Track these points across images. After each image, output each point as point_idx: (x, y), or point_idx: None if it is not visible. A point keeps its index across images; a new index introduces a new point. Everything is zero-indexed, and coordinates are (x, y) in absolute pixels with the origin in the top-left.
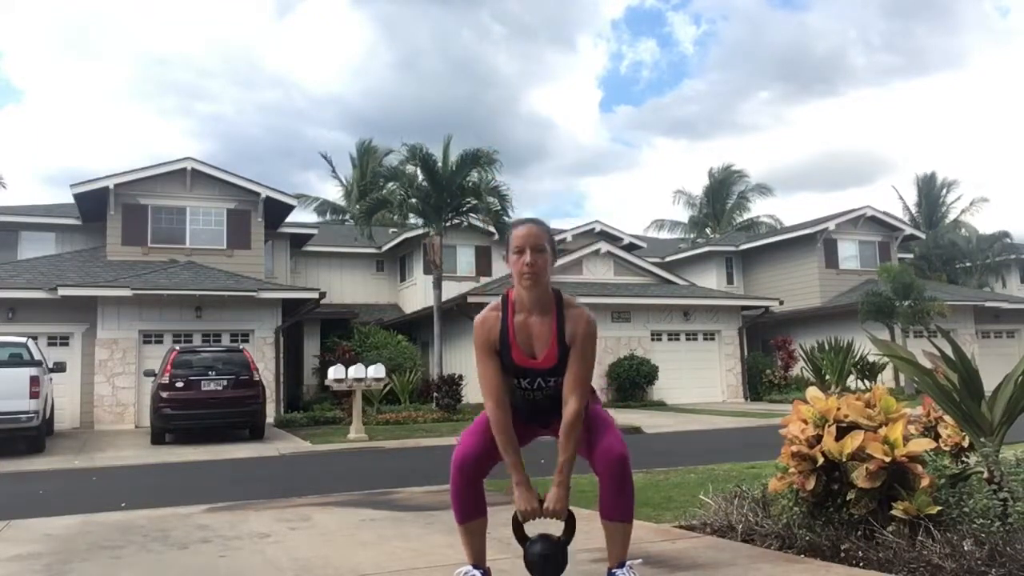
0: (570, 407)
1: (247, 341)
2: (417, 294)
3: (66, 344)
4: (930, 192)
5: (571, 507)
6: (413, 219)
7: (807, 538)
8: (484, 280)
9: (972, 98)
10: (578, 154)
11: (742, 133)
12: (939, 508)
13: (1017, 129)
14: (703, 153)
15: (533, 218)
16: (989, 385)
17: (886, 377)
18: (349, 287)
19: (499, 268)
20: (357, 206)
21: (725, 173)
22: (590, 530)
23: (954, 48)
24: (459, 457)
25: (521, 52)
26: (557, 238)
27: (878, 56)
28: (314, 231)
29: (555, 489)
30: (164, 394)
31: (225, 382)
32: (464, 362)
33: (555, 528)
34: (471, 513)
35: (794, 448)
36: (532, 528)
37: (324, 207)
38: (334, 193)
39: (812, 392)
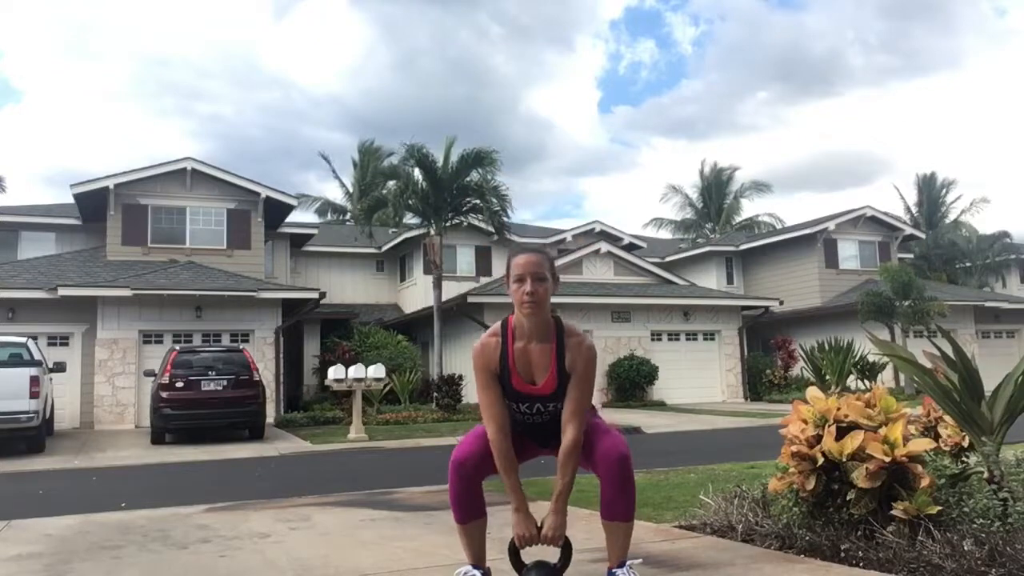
0: (569, 435)
1: (247, 341)
2: (417, 294)
3: (66, 344)
4: (930, 192)
5: (570, 510)
6: (413, 219)
7: (807, 538)
8: (484, 280)
9: (970, 99)
10: (577, 154)
11: (741, 133)
12: (939, 508)
13: (1016, 129)
14: (702, 153)
15: (535, 247)
16: (989, 385)
17: (886, 377)
18: (349, 287)
19: (499, 268)
20: (358, 206)
21: (716, 171)
22: (590, 530)
23: (951, 49)
24: (457, 459)
25: (519, 53)
26: (557, 238)
27: (875, 56)
28: (314, 231)
29: (552, 516)
30: (164, 394)
31: (225, 382)
32: (464, 362)
33: (551, 555)
34: (470, 514)
35: (794, 448)
36: (528, 554)
37: (324, 207)
38: (334, 193)
39: (812, 392)
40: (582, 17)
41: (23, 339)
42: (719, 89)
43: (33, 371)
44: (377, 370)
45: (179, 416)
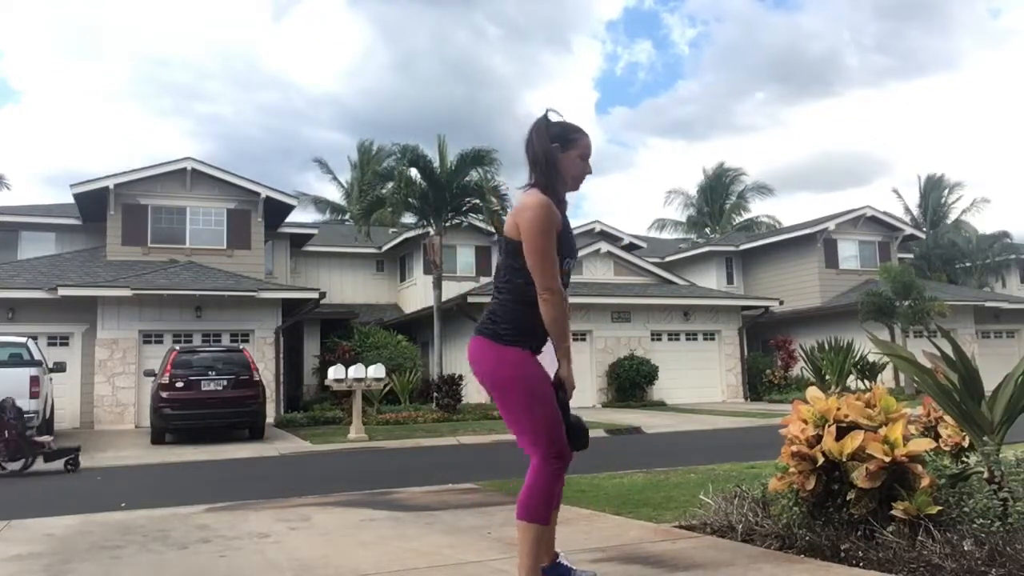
0: None
1: (247, 341)
2: (417, 294)
3: (66, 344)
4: (930, 192)
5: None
6: (412, 219)
7: (807, 538)
8: (484, 280)
9: (968, 99)
10: None
11: (739, 134)
12: (939, 508)
13: (1015, 129)
14: (700, 154)
15: None
16: (989, 385)
17: (886, 377)
18: (349, 287)
19: None
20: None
21: (719, 171)
22: (590, 530)
23: (948, 49)
24: (564, 451)
25: (517, 54)
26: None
27: (872, 57)
28: (314, 231)
29: (564, 362)
30: (164, 394)
31: (225, 382)
32: (464, 362)
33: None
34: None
35: (794, 448)
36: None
37: (324, 207)
38: (333, 194)
39: (812, 392)
40: (579, 18)
41: (23, 339)
42: (717, 90)
43: (33, 371)
44: (377, 370)
45: (179, 416)
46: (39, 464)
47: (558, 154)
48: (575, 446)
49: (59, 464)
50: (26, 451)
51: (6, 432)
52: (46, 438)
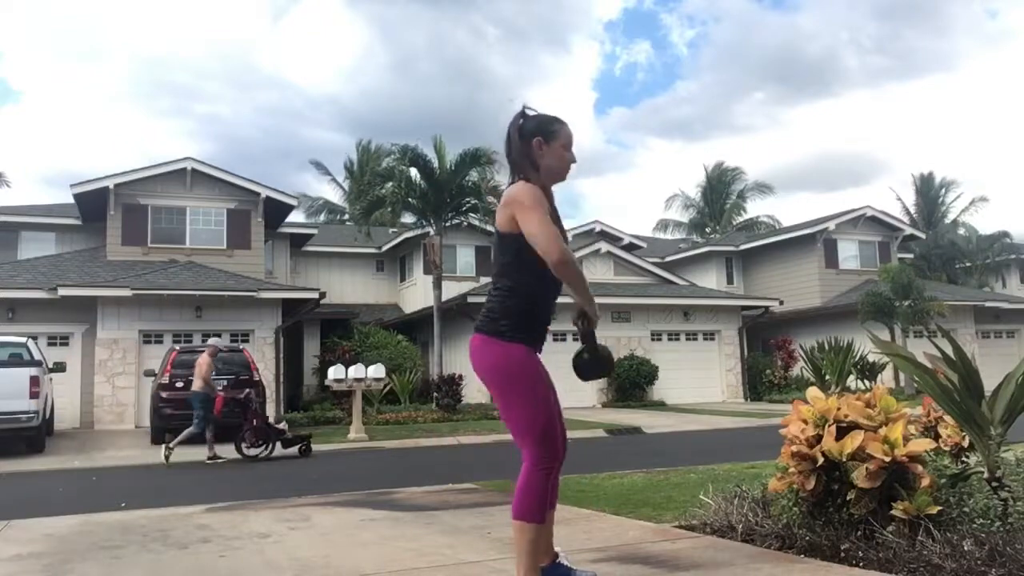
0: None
1: (247, 341)
2: (417, 294)
3: (66, 344)
4: (929, 192)
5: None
6: (412, 219)
7: (807, 538)
8: (484, 280)
9: (966, 99)
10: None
11: (737, 134)
12: (939, 508)
13: (1014, 129)
14: (699, 154)
15: None
16: (989, 385)
17: (886, 377)
18: (349, 287)
19: None
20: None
21: (719, 171)
22: (590, 530)
23: (945, 50)
24: (558, 455)
25: (515, 54)
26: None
27: (870, 58)
28: (314, 231)
29: (590, 307)
30: (164, 394)
31: (225, 382)
32: (464, 362)
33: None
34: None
35: (794, 448)
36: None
37: (323, 207)
38: (333, 194)
39: (812, 392)
40: (577, 19)
41: (23, 339)
42: (715, 90)
43: (33, 371)
44: (377, 370)
45: (179, 416)
46: (39, 464)
47: (539, 149)
48: (601, 372)
49: (294, 450)
50: (272, 437)
51: (254, 420)
52: (283, 425)
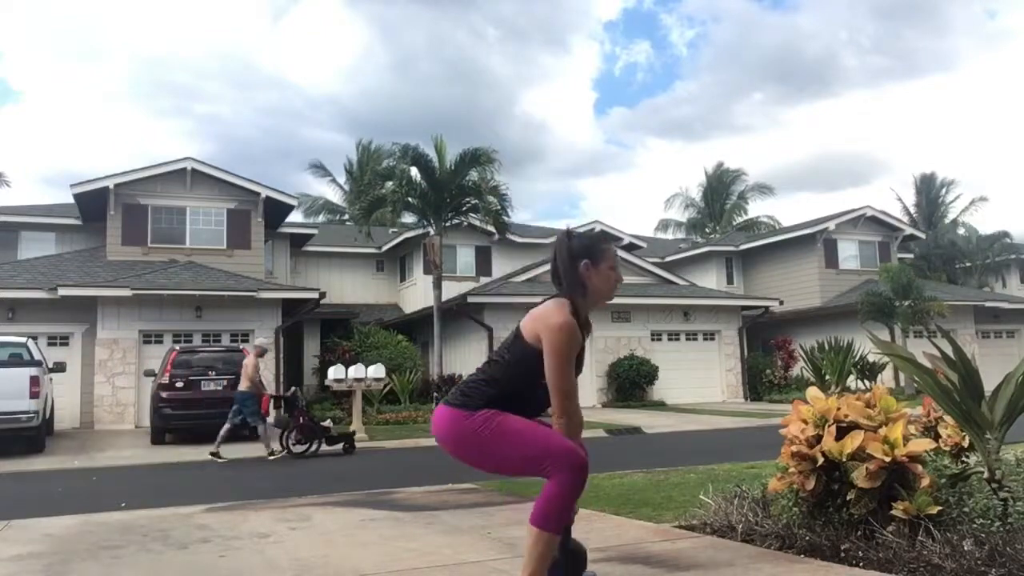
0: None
1: (247, 341)
2: (417, 294)
3: (66, 344)
4: (929, 192)
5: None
6: (412, 219)
7: (807, 538)
8: (484, 280)
9: (966, 99)
10: (574, 155)
11: (737, 134)
12: (939, 508)
13: (1014, 130)
14: (699, 154)
15: None
16: (989, 385)
17: (886, 377)
18: (349, 287)
19: (499, 268)
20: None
21: (719, 171)
22: (590, 530)
23: (944, 50)
24: (585, 464)
25: (515, 54)
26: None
27: (869, 58)
28: (314, 231)
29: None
30: (164, 394)
31: (225, 382)
32: (464, 362)
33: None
34: None
35: (794, 448)
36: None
37: (323, 207)
38: (333, 194)
39: (812, 392)
40: (577, 19)
41: (23, 339)
42: (714, 90)
43: (33, 371)
44: (377, 370)
45: (179, 416)
46: (39, 464)
47: (587, 272)
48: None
49: (338, 447)
50: (317, 434)
51: (301, 419)
52: (328, 423)
